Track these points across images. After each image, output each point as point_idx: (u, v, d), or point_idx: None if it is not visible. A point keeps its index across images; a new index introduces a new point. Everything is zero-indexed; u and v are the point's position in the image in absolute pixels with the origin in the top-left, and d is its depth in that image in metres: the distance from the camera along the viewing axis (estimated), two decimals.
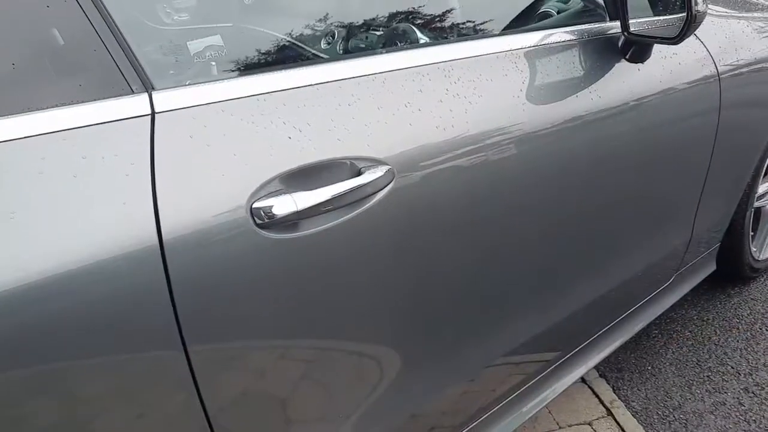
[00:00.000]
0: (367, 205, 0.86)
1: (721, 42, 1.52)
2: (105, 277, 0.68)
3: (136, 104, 0.74)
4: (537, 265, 1.21)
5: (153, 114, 0.75)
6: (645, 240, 1.49)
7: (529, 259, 1.18)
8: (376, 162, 0.88)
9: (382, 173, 0.87)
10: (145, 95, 0.75)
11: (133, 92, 0.75)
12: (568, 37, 1.20)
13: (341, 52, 1.28)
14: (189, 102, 0.78)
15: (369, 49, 1.23)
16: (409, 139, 0.92)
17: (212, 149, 0.77)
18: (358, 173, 0.86)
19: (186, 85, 0.80)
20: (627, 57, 1.26)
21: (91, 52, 0.74)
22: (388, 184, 0.88)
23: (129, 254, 0.69)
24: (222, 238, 0.75)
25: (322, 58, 1.13)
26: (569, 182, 1.18)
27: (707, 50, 1.47)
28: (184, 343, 0.75)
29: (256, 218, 0.77)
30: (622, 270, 1.46)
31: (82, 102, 0.72)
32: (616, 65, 1.26)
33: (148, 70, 0.76)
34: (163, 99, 0.76)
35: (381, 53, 1.00)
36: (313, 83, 0.87)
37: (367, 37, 1.30)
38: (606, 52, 1.25)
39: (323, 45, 1.32)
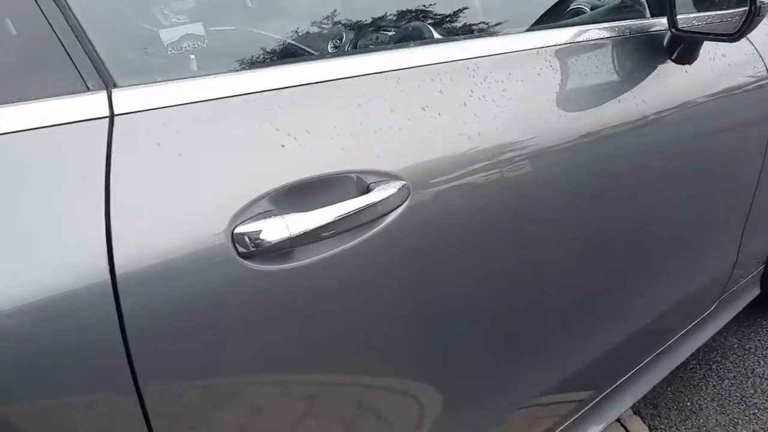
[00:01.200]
0: (377, 229, 0.72)
1: None
2: (44, 314, 0.54)
3: (92, 104, 0.61)
4: (576, 295, 1.06)
5: (112, 116, 0.61)
6: (690, 262, 1.33)
7: (568, 288, 1.03)
8: (388, 176, 0.73)
9: (395, 190, 0.72)
10: (104, 93, 0.61)
11: (88, 89, 0.61)
12: (607, 34, 1.06)
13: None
14: (158, 102, 0.64)
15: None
16: (427, 148, 0.78)
17: (185, 160, 0.62)
18: (366, 190, 0.72)
19: (156, 82, 0.66)
20: (673, 57, 1.12)
21: (38, 40, 0.60)
22: (402, 204, 0.73)
23: (73, 289, 0.55)
24: (193, 270, 0.60)
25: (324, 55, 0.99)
26: (611, 197, 1.03)
27: (756, 50, 1.31)
28: (140, 396, 0.60)
29: (238, 246, 0.62)
30: (664, 297, 1.31)
31: (23, 101, 0.58)
32: (661, 66, 1.11)
33: (108, 62, 0.63)
34: (126, 98, 0.62)
35: (394, 48, 0.86)
36: (312, 81, 0.73)
37: (377, 38, 1.17)
38: (649, 52, 1.11)
39: (330, 48, 1.19)
